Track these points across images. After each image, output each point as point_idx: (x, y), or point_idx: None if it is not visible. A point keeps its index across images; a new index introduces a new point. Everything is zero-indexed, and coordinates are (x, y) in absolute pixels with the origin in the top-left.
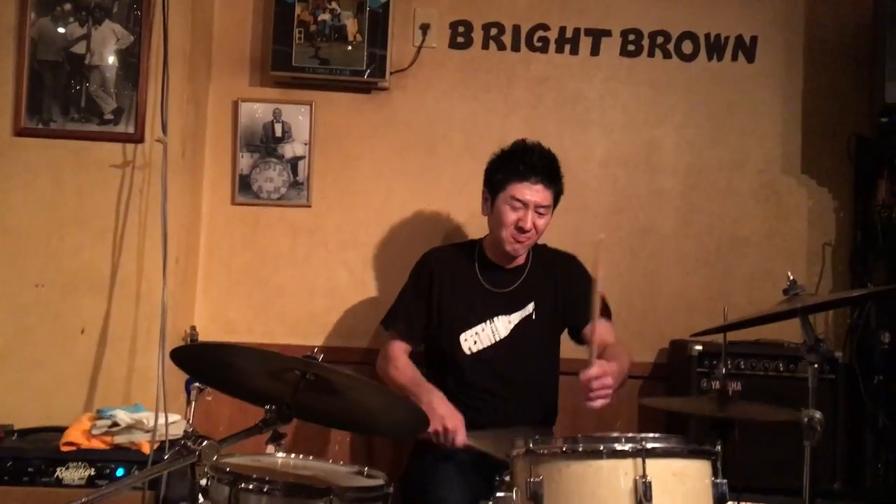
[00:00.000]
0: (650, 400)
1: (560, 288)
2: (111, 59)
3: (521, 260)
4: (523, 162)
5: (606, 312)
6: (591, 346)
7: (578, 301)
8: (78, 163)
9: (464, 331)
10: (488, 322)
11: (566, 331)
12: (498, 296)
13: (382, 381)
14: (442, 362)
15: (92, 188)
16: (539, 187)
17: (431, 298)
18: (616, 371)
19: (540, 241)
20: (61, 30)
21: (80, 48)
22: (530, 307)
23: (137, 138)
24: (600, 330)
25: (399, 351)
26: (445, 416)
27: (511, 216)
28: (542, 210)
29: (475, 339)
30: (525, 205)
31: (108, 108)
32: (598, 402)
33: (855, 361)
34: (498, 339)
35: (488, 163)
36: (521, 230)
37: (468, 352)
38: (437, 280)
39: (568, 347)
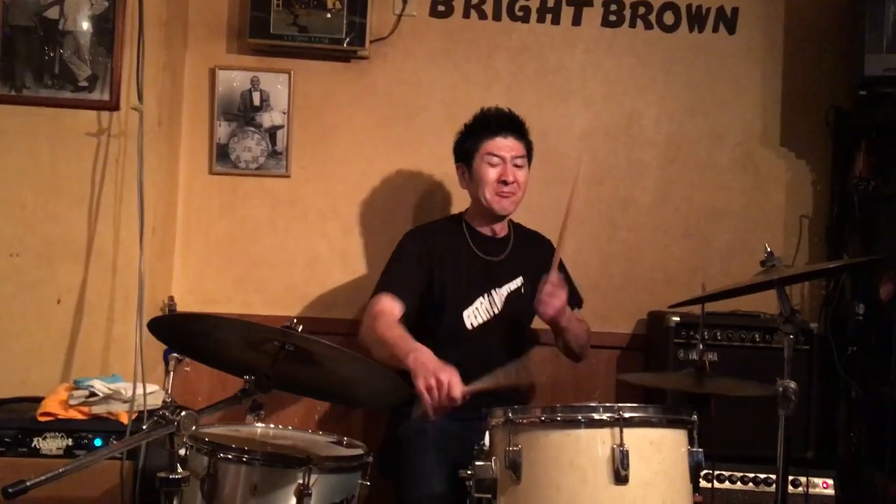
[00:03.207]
0: (628, 375)
1: (543, 267)
2: (85, 25)
3: (503, 230)
4: (490, 120)
5: (577, 299)
6: (557, 255)
7: None
8: (52, 130)
9: (466, 307)
10: (486, 296)
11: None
12: (492, 265)
13: (366, 344)
14: (441, 338)
15: (67, 156)
16: (511, 139)
17: (432, 270)
18: (566, 309)
19: (517, 220)
20: None
21: (53, 13)
22: (518, 281)
23: (113, 106)
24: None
25: (389, 306)
26: (436, 368)
27: (492, 173)
28: (518, 161)
29: (475, 313)
30: (502, 159)
31: (83, 74)
32: (544, 307)
33: (829, 332)
34: (495, 312)
35: (455, 140)
36: (505, 183)
37: (470, 327)
38: (433, 254)
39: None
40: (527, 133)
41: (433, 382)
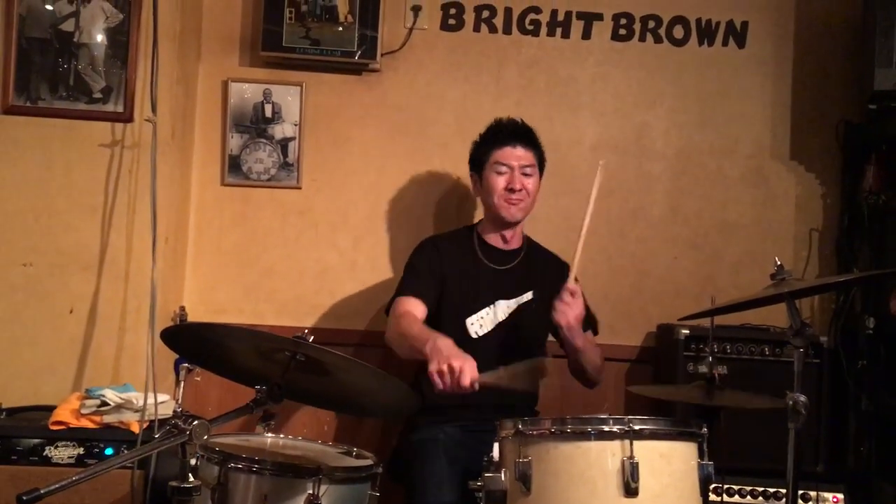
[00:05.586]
0: (639, 388)
1: (556, 289)
2: (100, 38)
3: (515, 242)
4: (499, 130)
5: (593, 325)
6: (574, 264)
7: None
8: (67, 142)
9: (469, 315)
10: (491, 306)
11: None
12: (500, 274)
13: (391, 344)
14: None
15: (81, 167)
16: (519, 148)
17: (443, 277)
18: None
19: (533, 235)
20: (49, 7)
21: (68, 26)
22: (529, 295)
23: (126, 117)
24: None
25: (412, 307)
26: (451, 354)
27: (500, 181)
28: (527, 170)
29: (480, 322)
30: (510, 167)
31: (97, 86)
32: (560, 316)
33: (840, 346)
34: (498, 322)
35: (470, 150)
36: (512, 191)
37: (474, 335)
38: (443, 262)
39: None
40: (537, 143)
41: (444, 367)
